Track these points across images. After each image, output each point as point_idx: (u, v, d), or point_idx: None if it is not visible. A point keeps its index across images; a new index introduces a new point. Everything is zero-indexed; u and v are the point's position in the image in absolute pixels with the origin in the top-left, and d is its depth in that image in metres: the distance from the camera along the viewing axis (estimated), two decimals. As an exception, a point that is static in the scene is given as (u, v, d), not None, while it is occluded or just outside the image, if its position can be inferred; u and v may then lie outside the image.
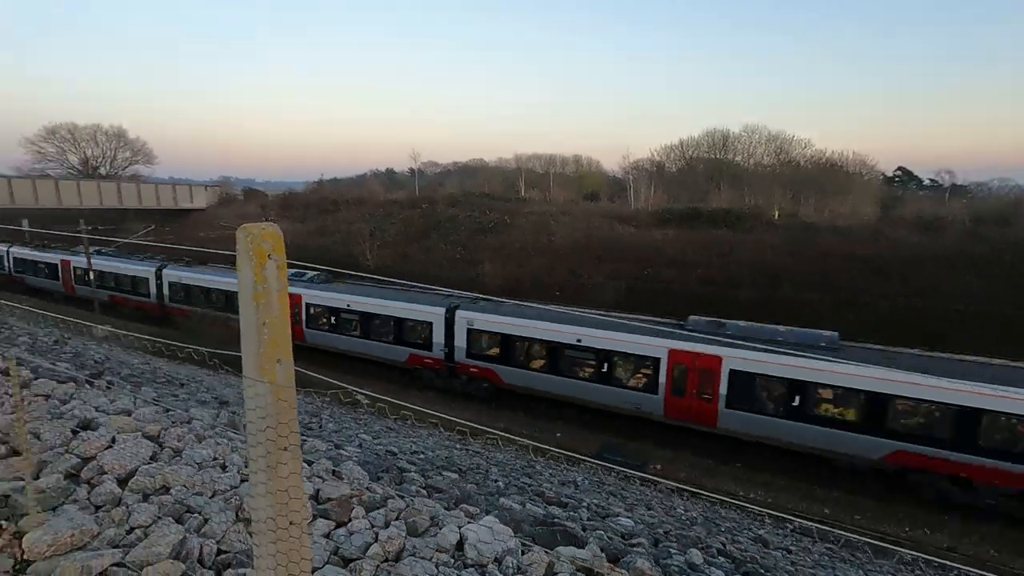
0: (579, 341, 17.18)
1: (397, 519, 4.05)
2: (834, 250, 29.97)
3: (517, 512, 5.33)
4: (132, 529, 3.52)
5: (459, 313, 19.28)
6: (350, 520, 3.93)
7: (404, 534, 3.79)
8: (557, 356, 17.65)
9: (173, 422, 5.45)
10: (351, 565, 3.43)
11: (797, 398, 14.44)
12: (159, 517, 3.65)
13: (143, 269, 28.08)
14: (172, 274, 26.86)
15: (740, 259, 31.13)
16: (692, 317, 17.19)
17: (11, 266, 34.77)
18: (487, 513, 4.70)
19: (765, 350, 13.51)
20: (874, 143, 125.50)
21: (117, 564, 3.19)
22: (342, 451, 6.75)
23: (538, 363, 18.11)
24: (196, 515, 3.74)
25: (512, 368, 18.47)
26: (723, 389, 15.22)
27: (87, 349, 15.58)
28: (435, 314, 19.66)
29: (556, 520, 5.28)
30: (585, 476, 12.81)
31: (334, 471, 4.97)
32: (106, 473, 4.10)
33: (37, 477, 3.85)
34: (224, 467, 4.56)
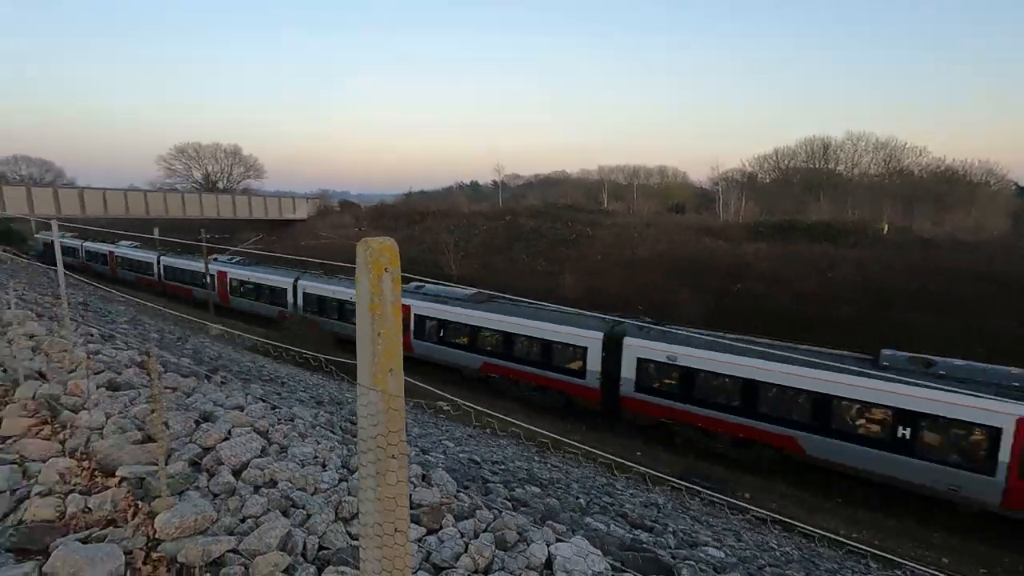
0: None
1: (486, 531, 4.07)
2: (957, 268, 26.98)
3: (603, 533, 5.18)
4: (245, 519, 3.78)
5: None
6: (440, 528, 3.99)
7: (493, 547, 3.79)
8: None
9: (279, 419, 5.84)
10: (442, 574, 3.48)
11: None
12: (268, 509, 3.89)
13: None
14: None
15: (842, 276, 28.83)
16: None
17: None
18: (573, 532, 4.60)
19: None
20: (1005, 151, 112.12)
21: (232, 551, 3.43)
22: (428, 456, 6.91)
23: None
24: (300, 510, 3.95)
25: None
26: None
27: (204, 346, 17.16)
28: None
29: (644, 545, 5.07)
30: (668, 499, 12.31)
31: (423, 476, 5.09)
32: (223, 464, 4.45)
33: (167, 463, 4.25)
34: (324, 466, 4.81)
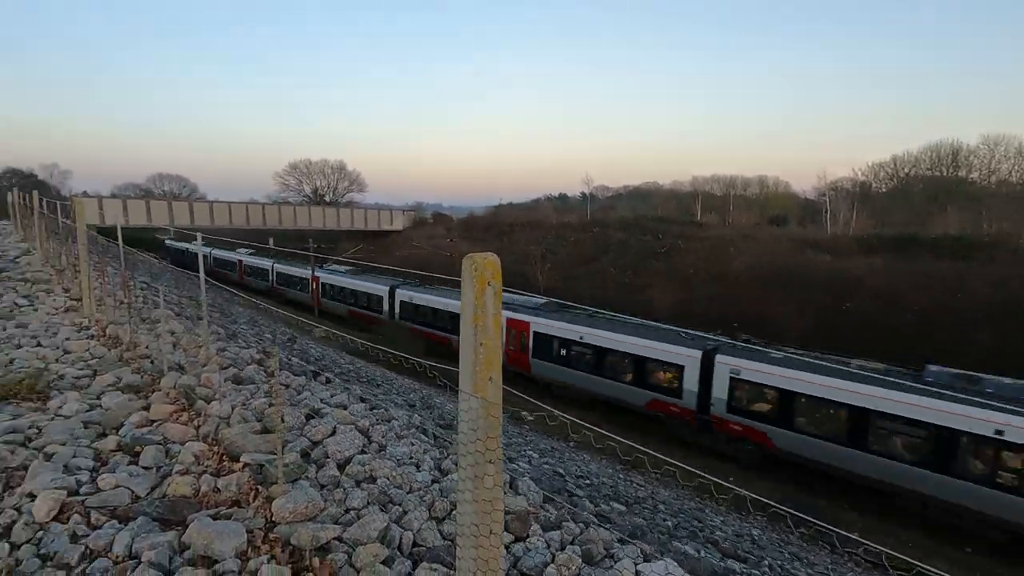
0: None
1: (572, 543, 4.08)
2: None
3: (692, 559, 5.00)
4: (348, 510, 4.07)
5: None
6: (528, 536, 4.06)
7: (580, 560, 3.80)
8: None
9: (378, 419, 6.21)
10: (529, 581, 3.54)
11: None
12: (368, 503, 4.17)
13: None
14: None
15: (973, 295, 25.68)
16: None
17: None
18: (661, 554, 4.49)
19: None
20: None
21: (337, 538, 3.71)
22: (515, 465, 7.02)
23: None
24: (397, 507, 4.19)
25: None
26: None
27: (309, 347, 18.56)
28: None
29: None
30: (763, 531, 11.57)
31: (511, 484, 5.19)
32: (329, 457, 4.82)
33: (282, 453, 4.67)
34: (418, 466, 5.05)
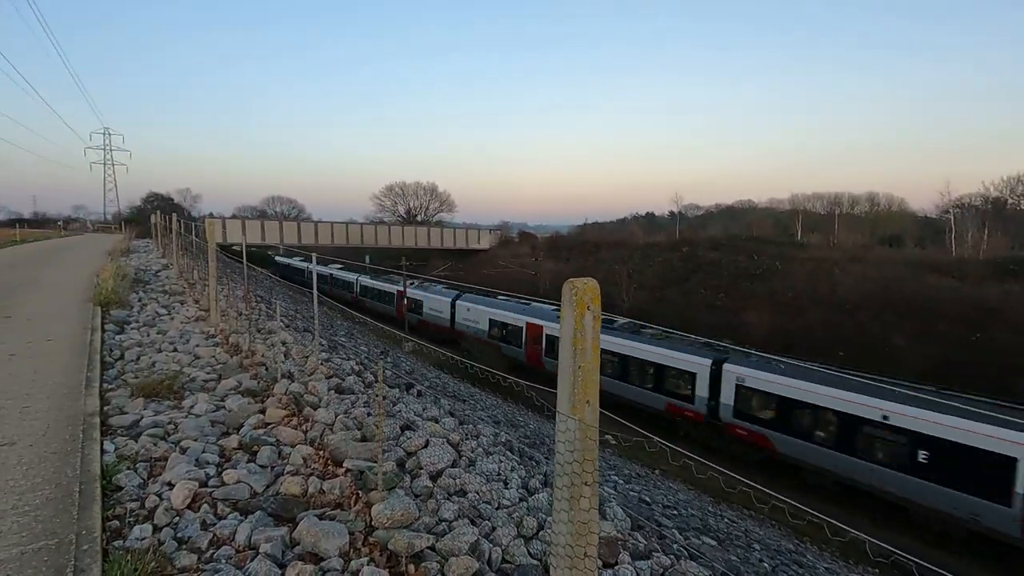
0: None
1: (663, 575, 3.96)
2: None
3: (794, 605, 4.65)
4: (440, 521, 4.22)
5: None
6: (616, 563, 4.00)
7: (671, 594, 3.68)
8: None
9: (467, 434, 6.39)
10: (618, 610, 3.47)
11: None
12: (459, 516, 4.29)
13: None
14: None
15: None
16: None
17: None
18: (759, 597, 4.22)
19: None
20: None
21: (430, 548, 3.85)
22: (601, 490, 6.91)
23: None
24: (486, 522, 4.28)
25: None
26: None
27: (400, 361, 19.42)
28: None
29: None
30: (873, 582, 10.49)
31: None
32: (422, 469, 5.02)
33: (381, 461, 4.94)
34: (506, 483, 5.13)
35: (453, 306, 32.30)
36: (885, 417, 14.03)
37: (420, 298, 35.65)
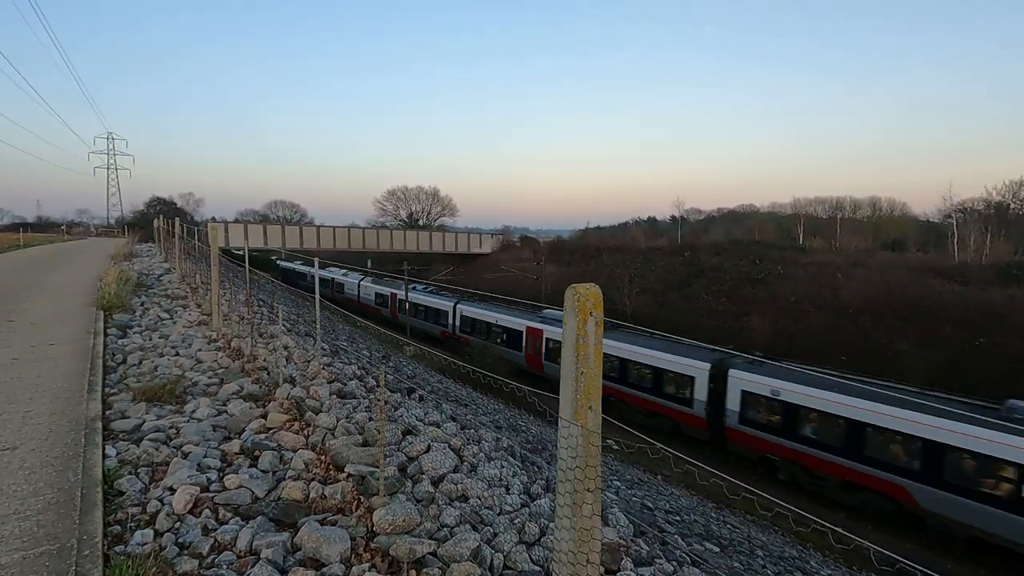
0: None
1: (665, 582, 3.94)
2: None
3: (798, 613, 4.62)
4: (442, 527, 4.20)
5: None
6: (619, 570, 3.97)
7: (674, 601, 3.66)
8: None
9: (468, 439, 6.38)
10: (621, 617, 3.45)
11: None
12: (460, 521, 4.28)
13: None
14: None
15: None
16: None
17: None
18: (763, 604, 4.19)
19: None
20: None
21: (432, 553, 3.84)
22: (604, 495, 6.88)
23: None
24: (488, 527, 4.26)
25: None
26: None
27: (401, 365, 19.40)
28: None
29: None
30: (879, 591, 10.40)
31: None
32: (424, 474, 5.01)
33: (383, 466, 4.93)
34: (508, 489, 5.12)
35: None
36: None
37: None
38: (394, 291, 39.57)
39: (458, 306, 32.13)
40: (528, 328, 25.85)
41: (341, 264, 46.74)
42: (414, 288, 36.70)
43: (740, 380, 17.08)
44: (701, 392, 18.17)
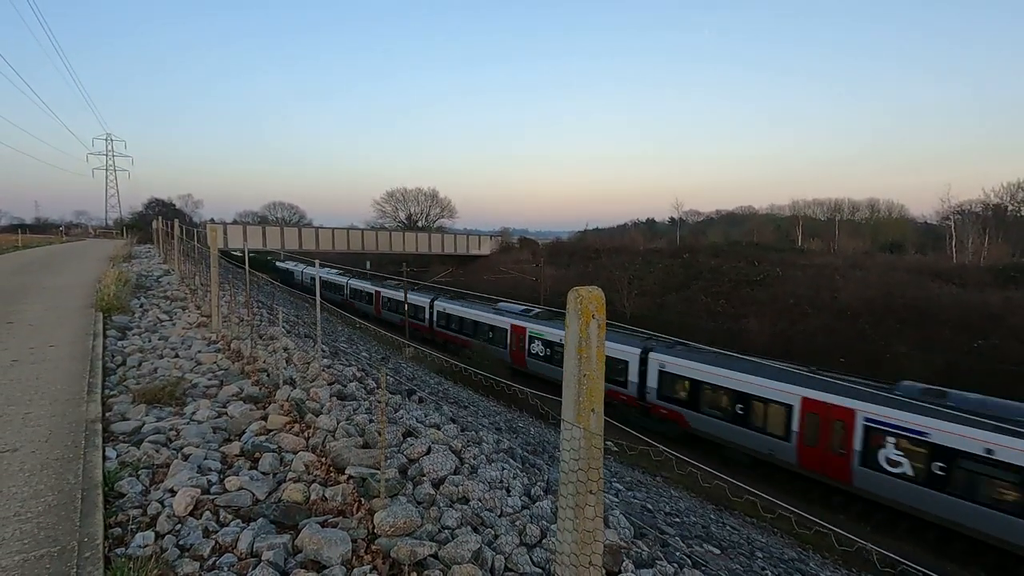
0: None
1: (667, 584, 3.94)
2: None
3: (799, 615, 4.62)
4: (443, 528, 4.20)
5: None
6: (620, 572, 3.97)
7: (675, 603, 3.66)
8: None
9: (468, 441, 6.37)
10: (622, 619, 3.45)
11: None
12: (461, 523, 4.27)
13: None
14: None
15: None
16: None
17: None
18: (764, 606, 4.20)
19: None
20: None
21: (433, 555, 3.83)
22: (605, 497, 6.88)
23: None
24: (489, 529, 4.27)
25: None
26: None
27: (401, 367, 19.38)
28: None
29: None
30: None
31: (600, 517, 5.10)
32: (424, 476, 5.01)
33: (384, 468, 4.92)
34: (508, 490, 5.12)
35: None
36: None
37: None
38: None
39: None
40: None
41: (332, 265, 47.26)
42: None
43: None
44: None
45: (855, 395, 14.76)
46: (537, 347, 25.74)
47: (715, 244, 49.13)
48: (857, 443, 14.44)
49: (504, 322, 27.80)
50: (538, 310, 28.17)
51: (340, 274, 48.53)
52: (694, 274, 41.35)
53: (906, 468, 13.57)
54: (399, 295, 37.49)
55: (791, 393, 16.03)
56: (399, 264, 43.17)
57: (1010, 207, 51.17)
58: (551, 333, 24.90)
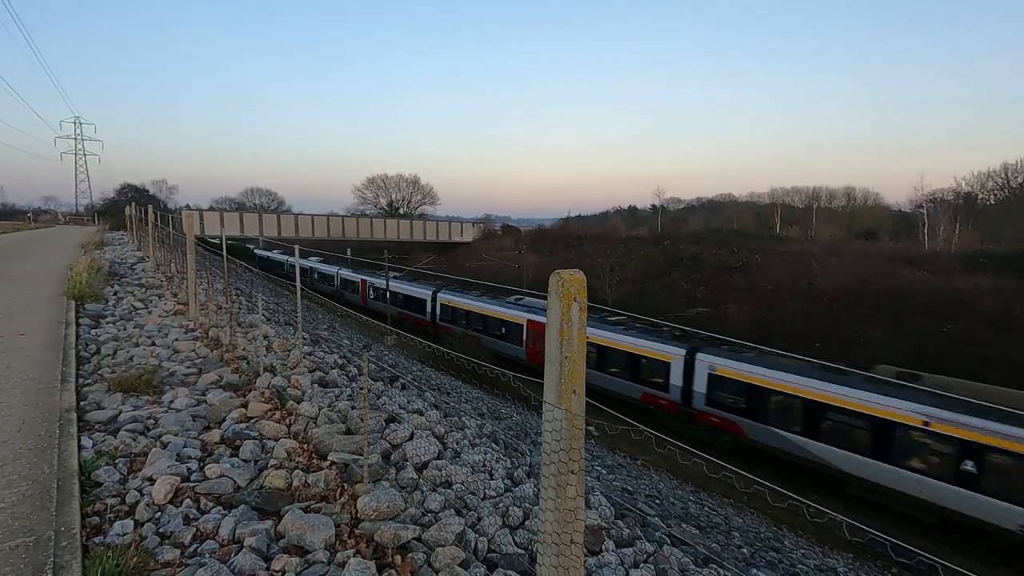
0: None
1: (646, 562, 4.03)
2: None
3: (773, 589, 4.77)
4: (426, 512, 4.24)
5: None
6: (601, 551, 4.06)
7: (654, 580, 3.75)
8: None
9: (452, 427, 6.40)
10: (603, 596, 3.53)
11: None
12: (445, 507, 4.32)
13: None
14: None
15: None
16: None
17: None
18: (739, 581, 4.33)
19: None
20: None
21: (416, 539, 3.87)
22: (586, 479, 6.99)
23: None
24: (472, 512, 4.31)
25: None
26: None
27: (383, 354, 19.30)
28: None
29: (823, 612, 4.55)
30: (848, 567, 10.78)
31: (581, 499, 5.19)
32: (408, 461, 5.03)
33: (366, 454, 4.92)
34: (491, 474, 5.17)
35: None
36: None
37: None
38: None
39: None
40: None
41: (314, 250, 46.29)
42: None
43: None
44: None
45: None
46: None
47: (696, 231, 49.65)
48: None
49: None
50: None
51: (323, 261, 47.65)
52: (675, 261, 41.76)
53: None
54: (395, 286, 36.54)
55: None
56: (380, 251, 42.74)
57: (980, 196, 52.59)
58: None
